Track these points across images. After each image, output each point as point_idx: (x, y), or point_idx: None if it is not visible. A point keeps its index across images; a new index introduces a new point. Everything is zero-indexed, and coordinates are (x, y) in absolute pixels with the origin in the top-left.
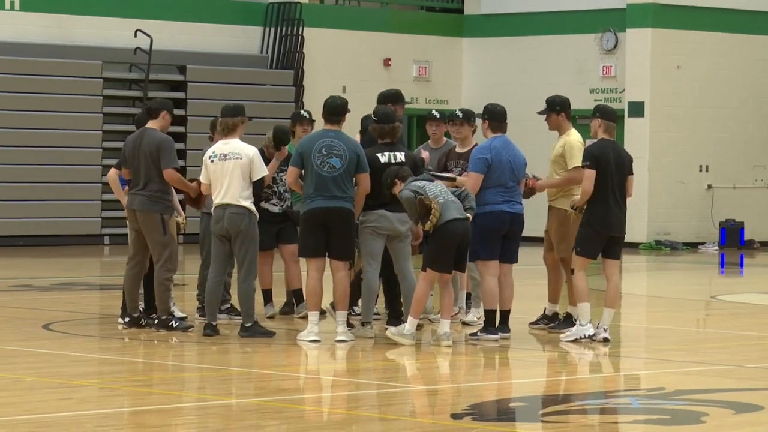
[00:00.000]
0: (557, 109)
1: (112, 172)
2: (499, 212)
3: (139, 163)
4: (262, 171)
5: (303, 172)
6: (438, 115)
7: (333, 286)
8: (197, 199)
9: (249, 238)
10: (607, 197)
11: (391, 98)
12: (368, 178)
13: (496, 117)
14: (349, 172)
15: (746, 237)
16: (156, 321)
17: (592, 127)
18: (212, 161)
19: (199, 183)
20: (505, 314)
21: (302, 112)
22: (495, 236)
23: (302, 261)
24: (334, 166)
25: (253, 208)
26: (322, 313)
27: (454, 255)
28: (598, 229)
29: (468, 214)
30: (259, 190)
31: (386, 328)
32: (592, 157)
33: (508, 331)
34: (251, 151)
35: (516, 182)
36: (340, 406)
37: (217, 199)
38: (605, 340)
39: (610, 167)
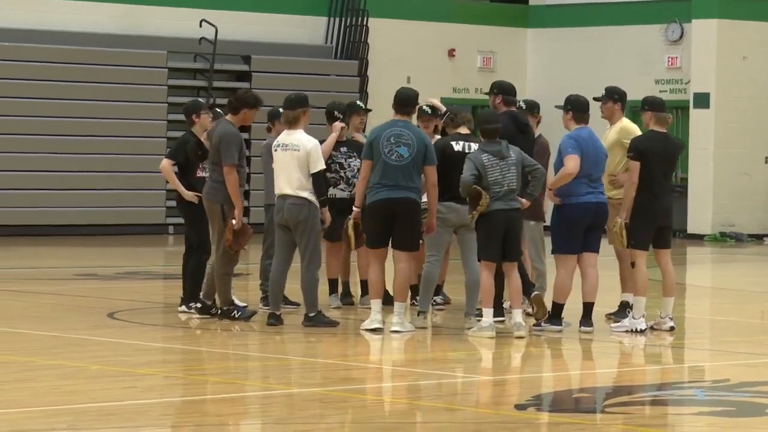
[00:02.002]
0: (615, 97)
1: (165, 162)
2: (584, 203)
3: (212, 150)
4: (320, 164)
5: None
6: (429, 111)
7: (394, 277)
8: (239, 234)
9: (309, 228)
10: (652, 188)
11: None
12: (435, 171)
13: (579, 107)
14: (416, 163)
15: None
16: (219, 312)
17: (643, 120)
18: (275, 151)
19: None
20: (588, 307)
21: (358, 102)
22: (578, 229)
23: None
24: (402, 155)
25: (313, 198)
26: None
27: (500, 244)
28: (647, 220)
29: (517, 204)
30: (321, 182)
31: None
32: (636, 149)
33: (591, 325)
34: (310, 143)
35: (600, 173)
36: (404, 396)
37: (278, 189)
38: (671, 329)
39: (656, 158)
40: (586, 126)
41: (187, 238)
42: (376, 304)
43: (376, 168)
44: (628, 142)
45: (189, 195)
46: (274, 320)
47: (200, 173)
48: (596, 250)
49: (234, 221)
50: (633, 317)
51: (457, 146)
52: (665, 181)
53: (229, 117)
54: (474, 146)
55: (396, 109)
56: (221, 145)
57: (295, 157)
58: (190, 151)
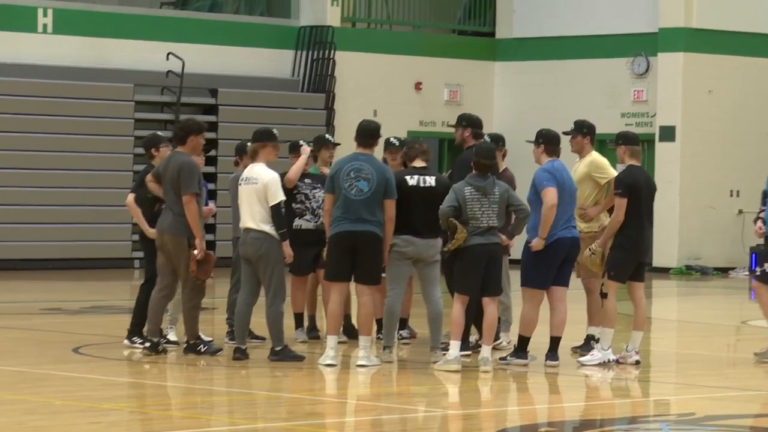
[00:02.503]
0: (584, 131)
1: (130, 197)
2: (559, 239)
3: (167, 185)
4: (278, 196)
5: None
6: (397, 143)
7: (357, 310)
8: (203, 263)
9: (272, 262)
10: (641, 222)
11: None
12: (393, 205)
13: (551, 141)
14: (377, 197)
15: None
16: (185, 346)
17: (618, 155)
18: (240, 185)
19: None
20: (555, 341)
21: (326, 136)
22: (552, 264)
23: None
24: (361, 189)
25: (273, 232)
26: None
27: (478, 279)
28: (632, 253)
29: (496, 239)
30: (279, 214)
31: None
32: (624, 185)
33: (557, 359)
34: (267, 176)
35: (573, 207)
36: (368, 431)
37: (242, 223)
38: (636, 363)
39: (642, 192)
40: (558, 159)
41: (147, 271)
42: (331, 339)
43: (339, 201)
44: (599, 175)
45: (151, 233)
46: (240, 355)
47: (162, 207)
48: (566, 284)
49: (196, 251)
50: (603, 348)
51: (412, 180)
52: (649, 216)
53: (179, 149)
54: (429, 179)
55: (358, 141)
56: (182, 175)
57: (254, 190)
58: (147, 206)
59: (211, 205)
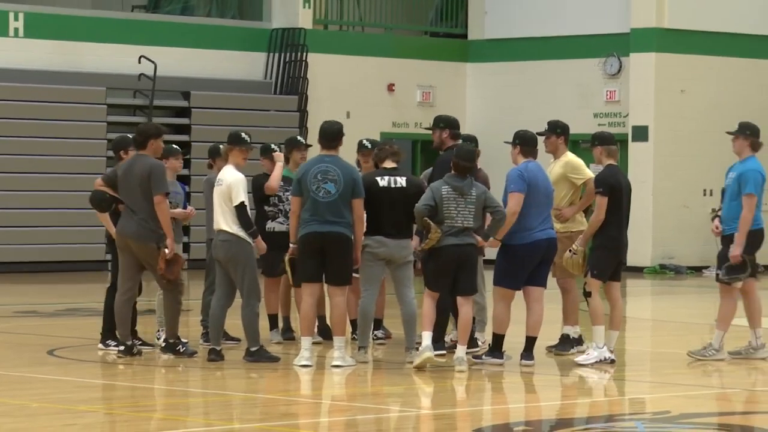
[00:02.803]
0: (558, 131)
1: None
2: (535, 241)
3: (130, 189)
4: (239, 197)
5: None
6: (369, 145)
7: (330, 311)
8: (171, 262)
9: (242, 264)
10: (621, 221)
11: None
12: (362, 204)
13: (527, 142)
14: (345, 197)
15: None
16: (164, 345)
17: (594, 156)
18: (214, 187)
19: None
20: (531, 341)
21: (298, 137)
22: (526, 265)
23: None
24: (329, 191)
25: (242, 234)
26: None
27: (447, 279)
28: (613, 252)
29: (471, 240)
30: (244, 213)
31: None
32: (606, 184)
33: (532, 359)
34: (231, 178)
35: (549, 208)
36: (343, 431)
37: (214, 225)
38: (612, 361)
39: (622, 191)
40: (534, 160)
41: (113, 274)
42: (305, 340)
43: (307, 204)
44: (574, 176)
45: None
46: (215, 356)
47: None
48: (543, 284)
49: (167, 250)
50: (598, 346)
51: (383, 182)
52: (627, 215)
53: (141, 153)
54: (401, 180)
55: (322, 144)
56: (153, 176)
57: (219, 192)
58: (100, 204)
59: (190, 208)
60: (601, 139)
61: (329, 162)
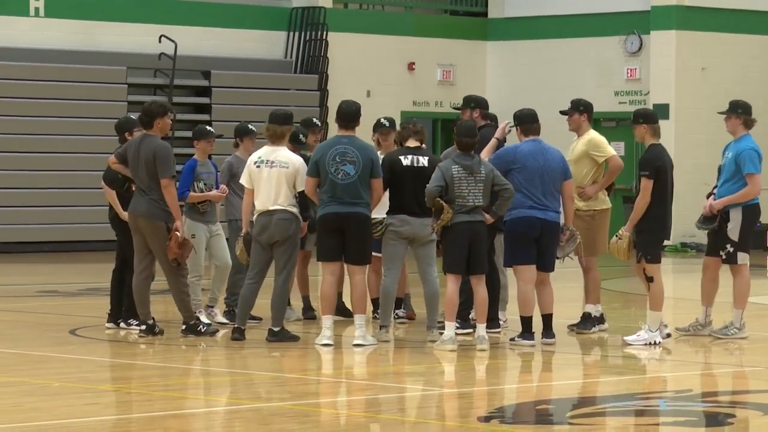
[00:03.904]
0: (581, 109)
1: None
2: (525, 217)
3: (139, 169)
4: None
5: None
6: (387, 124)
7: (350, 290)
8: (183, 243)
9: (294, 245)
10: (666, 202)
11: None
12: (381, 184)
13: (524, 120)
14: (363, 178)
15: None
16: (184, 327)
17: (637, 134)
18: (258, 167)
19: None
20: (547, 319)
21: (313, 119)
22: (523, 241)
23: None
24: (348, 173)
25: (299, 214)
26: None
27: (464, 256)
28: (660, 233)
29: (481, 217)
30: (304, 200)
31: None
32: (652, 167)
33: (552, 336)
34: (298, 161)
35: (551, 189)
36: (366, 410)
37: (260, 205)
38: (658, 343)
39: (668, 172)
40: (536, 138)
41: (119, 254)
42: (327, 319)
43: (325, 186)
44: (597, 154)
45: (126, 216)
46: (239, 335)
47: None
48: (549, 269)
49: (179, 233)
50: (650, 330)
51: (406, 161)
52: (671, 195)
53: (148, 132)
54: (423, 160)
55: (339, 124)
56: (158, 159)
57: (284, 173)
58: (113, 183)
59: (222, 187)
60: (645, 117)
61: (347, 143)
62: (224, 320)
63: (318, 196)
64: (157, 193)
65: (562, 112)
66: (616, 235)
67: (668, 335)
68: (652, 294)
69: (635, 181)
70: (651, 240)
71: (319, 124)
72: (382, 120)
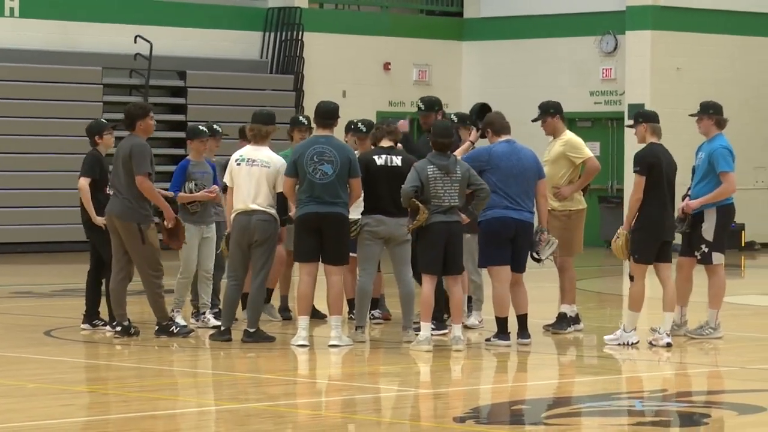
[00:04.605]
0: (551, 111)
1: (83, 180)
2: (500, 217)
3: (117, 167)
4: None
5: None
6: (365, 129)
7: (327, 290)
8: (174, 232)
9: (272, 246)
10: (662, 201)
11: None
12: (359, 183)
13: (493, 121)
14: (341, 178)
15: (747, 238)
16: (157, 327)
17: (638, 134)
18: (238, 164)
19: (176, 217)
20: (522, 319)
21: (300, 117)
22: (498, 241)
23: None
24: (326, 173)
25: (277, 216)
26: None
27: (441, 256)
28: (654, 233)
29: (457, 217)
30: (282, 201)
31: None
32: (644, 163)
33: (528, 337)
34: (279, 161)
35: (525, 189)
36: (342, 410)
37: (240, 204)
38: (668, 345)
39: (663, 170)
40: (509, 139)
41: (93, 255)
42: (302, 320)
43: (303, 185)
44: (574, 155)
45: (100, 221)
46: (227, 336)
47: (108, 191)
48: (520, 269)
49: (166, 222)
50: (624, 330)
51: (380, 160)
52: (670, 194)
53: (131, 134)
54: (396, 159)
55: (317, 123)
56: (133, 156)
57: (265, 173)
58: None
59: (214, 186)
60: (645, 117)
61: (324, 143)
62: (218, 323)
63: (296, 196)
64: (131, 193)
65: (534, 120)
66: (616, 234)
67: (669, 344)
68: (631, 294)
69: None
70: (643, 239)
71: (306, 122)
72: (360, 125)
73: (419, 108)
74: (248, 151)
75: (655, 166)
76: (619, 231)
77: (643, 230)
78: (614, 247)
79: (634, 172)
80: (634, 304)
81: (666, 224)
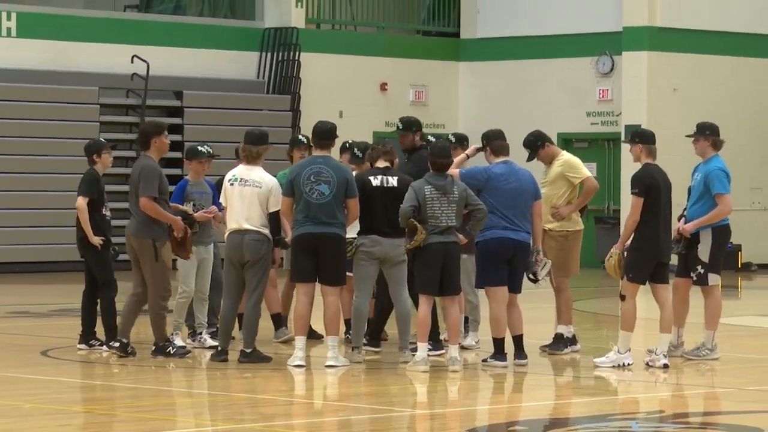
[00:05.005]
0: (539, 144)
1: (81, 200)
2: (498, 238)
3: (130, 189)
4: (280, 203)
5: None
6: (361, 155)
7: (324, 311)
8: (182, 243)
9: (265, 266)
10: (659, 222)
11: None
12: (357, 204)
13: (494, 139)
14: (338, 198)
15: (744, 259)
16: (153, 348)
17: (633, 154)
18: (231, 184)
19: (186, 227)
20: (518, 340)
21: (300, 137)
22: (496, 261)
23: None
24: (323, 193)
25: (270, 235)
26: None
27: (437, 277)
28: (650, 254)
29: (454, 238)
30: (277, 221)
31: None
32: (641, 185)
33: (525, 357)
34: (272, 182)
35: (523, 210)
36: (338, 431)
37: (233, 224)
38: (665, 366)
39: (660, 191)
40: (507, 160)
41: (88, 275)
42: (299, 340)
43: (300, 205)
44: (572, 175)
45: (96, 240)
46: (224, 356)
47: (104, 211)
48: (516, 290)
49: (176, 233)
50: (619, 351)
51: (375, 181)
52: (666, 215)
53: (145, 153)
54: (392, 180)
55: (315, 143)
56: (141, 178)
57: (256, 193)
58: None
59: (212, 207)
60: (642, 137)
61: (321, 163)
62: (215, 343)
63: (293, 216)
64: (144, 213)
65: (529, 159)
66: (610, 254)
67: (666, 366)
68: (623, 314)
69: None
70: (638, 259)
71: (306, 141)
72: (356, 151)
73: (397, 128)
74: (241, 171)
75: (653, 188)
76: (612, 250)
77: (639, 250)
78: (607, 266)
79: (632, 193)
80: (627, 324)
81: (662, 245)
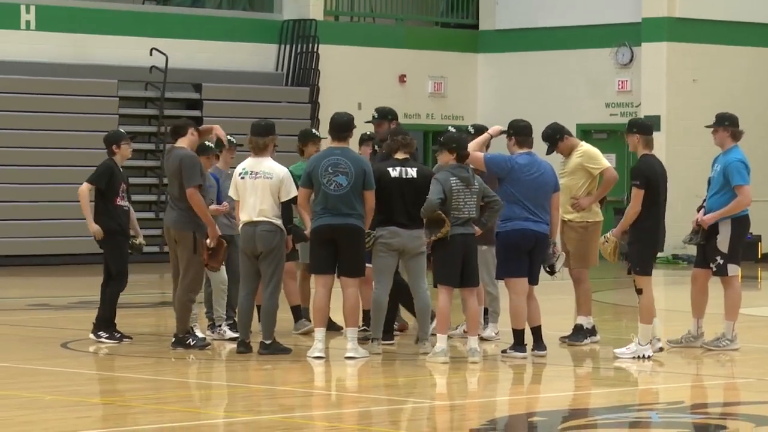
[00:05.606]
0: (558, 137)
1: (85, 186)
2: (520, 229)
3: (170, 179)
4: (292, 192)
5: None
6: (376, 115)
7: (342, 303)
8: (215, 253)
9: (279, 256)
10: (658, 213)
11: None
12: (373, 195)
13: (521, 132)
14: (356, 189)
15: (763, 250)
16: (173, 339)
17: (630, 144)
18: (242, 178)
19: (222, 240)
20: (537, 331)
21: (312, 130)
22: (517, 252)
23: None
24: (340, 184)
25: (282, 226)
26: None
27: (459, 268)
28: (650, 244)
29: (473, 230)
30: (289, 211)
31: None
32: (643, 177)
33: (544, 348)
34: (282, 171)
35: (543, 202)
36: (357, 422)
37: (246, 216)
38: (660, 350)
39: (660, 182)
40: (530, 151)
41: (106, 268)
42: (319, 332)
43: (318, 197)
44: (592, 166)
45: (94, 229)
46: (244, 348)
47: (120, 202)
48: (535, 282)
49: (208, 240)
50: (639, 343)
51: (394, 172)
52: (664, 206)
53: (178, 143)
54: (411, 171)
55: (332, 135)
56: (183, 168)
57: (268, 184)
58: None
59: (224, 203)
60: (640, 127)
61: (339, 154)
62: (234, 335)
63: (311, 208)
64: (185, 204)
65: (548, 153)
66: (604, 237)
67: (660, 349)
68: (642, 307)
69: (626, 192)
70: (642, 252)
71: (319, 134)
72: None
73: (373, 117)
74: (250, 163)
75: (652, 180)
76: (608, 235)
77: (640, 242)
78: (603, 251)
79: (633, 185)
80: (646, 317)
81: (661, 236)
